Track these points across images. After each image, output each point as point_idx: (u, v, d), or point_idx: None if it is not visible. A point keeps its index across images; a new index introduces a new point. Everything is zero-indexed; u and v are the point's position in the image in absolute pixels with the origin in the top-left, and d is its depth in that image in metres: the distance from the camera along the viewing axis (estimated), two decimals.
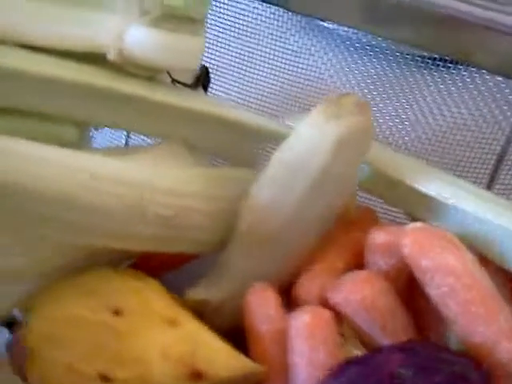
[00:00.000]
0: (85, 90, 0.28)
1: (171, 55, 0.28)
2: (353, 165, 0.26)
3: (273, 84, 0.39)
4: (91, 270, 0.27)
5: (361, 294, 0.24)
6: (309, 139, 0.25)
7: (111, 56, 0.27)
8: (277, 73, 0.38)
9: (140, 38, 0.28)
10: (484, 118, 0.31)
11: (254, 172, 0.29)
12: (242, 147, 0.31)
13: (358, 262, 0.28)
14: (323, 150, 0.25)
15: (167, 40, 0.28)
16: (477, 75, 0.30)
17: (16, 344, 0.26)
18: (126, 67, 0.28)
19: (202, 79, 0.33)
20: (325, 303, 0.26)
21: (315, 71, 0.40)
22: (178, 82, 0.32)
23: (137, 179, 0.25)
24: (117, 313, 0.25)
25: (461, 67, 0.32)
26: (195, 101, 0.30)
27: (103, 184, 0.24)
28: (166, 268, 0.31)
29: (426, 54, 0.35)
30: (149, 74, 0.29)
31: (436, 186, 0.26)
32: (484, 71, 0.29)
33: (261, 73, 0.38)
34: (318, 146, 0.25)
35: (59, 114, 0.28)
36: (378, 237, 0.26)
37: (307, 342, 0.24)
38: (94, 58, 0.29)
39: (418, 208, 0.27)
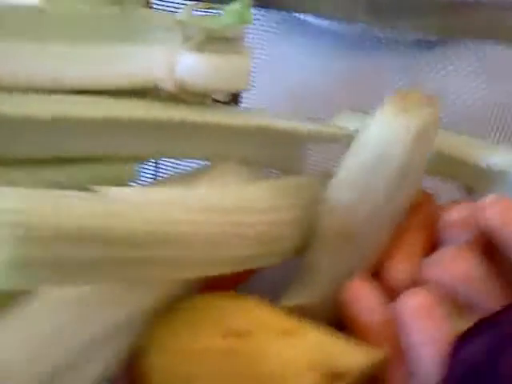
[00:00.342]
0: (140, 125, 0.28)
1: (224, 77, 0.29)
2: (424, 155, 0.27)
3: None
4: (189, 299, 0.27)
5: (460, 268, 0.26)
6: (384, 137, 0.26)
7: (168, 87, 0.28)
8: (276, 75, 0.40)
9: (191, 65, 0.28)
10: None
11: (314, 177, 0.31)
12: (293, 155, 0.33)
13: (431, 243, 0.30)
14: (400, 146, 0.26)
15: (218, 63, 0.28)
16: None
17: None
18: (181, 96, 0.28)
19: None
20: (416, 285, 0.28)
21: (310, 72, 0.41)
22: (218, 101, 0.33)
23: (226, 204, 0.25)
24: (236, 336, 0.25)
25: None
26: (246, 116, 0.30)
27: (201, 215, 0.24)
28: (234, 284, 0.32)
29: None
30: (201, 99, 0.29)
31: (496, 157, 0.29)
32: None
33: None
34: (394, 142, 0.26)
35: (117, 154, 0.29)
36: (454, 214, 0.28)
37: (424, 322, 0.25)
38: (135, 93, 0.29)
39: (479, 181, 0.30)
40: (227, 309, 0.26)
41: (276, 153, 0.32)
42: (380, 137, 0.26)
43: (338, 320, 0.29)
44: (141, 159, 0.29)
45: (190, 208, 0.24)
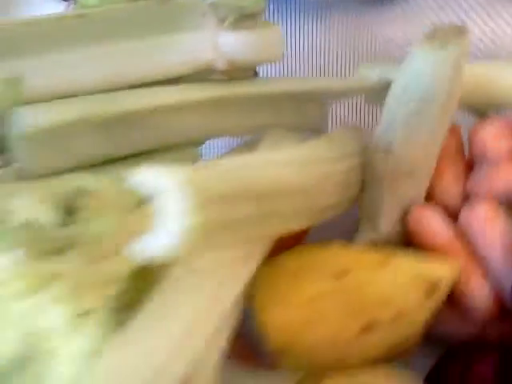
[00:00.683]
0: (203, 106, 0.29)
1: (263, 49, 0.31)
2: (460, 86, 0.30)
3: None
4: (278, 256, 0.29)
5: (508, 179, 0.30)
6: (426, 74, 0.29)
7: (221, 66, 0.29)
8: None
9: (233, 44, 0.30)
10: None
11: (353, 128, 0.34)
12: (322, 113, 0.35)
13: (467, 164, 0.34)
14: (444, 81, 0.29)
15: (255, 37, 0.30)
16: None
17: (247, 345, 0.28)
18: (232, 73, 0.30)
19: None
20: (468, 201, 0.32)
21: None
22: None
23: (315, 157, 0.27)
24: (337, 276, 0.28)
25: None
26: (283, 84, 0.33)
27: (305, 169, 0.26)
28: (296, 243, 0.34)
29: None
30: (248, 73, 0.31)
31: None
32: None
33: None
34: (437, 78, 0.29)
35: (183, 138, 0.30)
36: (490, 130, 0.31)
37: (493, 228, 0.29)
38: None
39: (496, 103, 0.33)
40: (319, 255, 0.29)
41: (308, 114, 0.34)
42: (423, 75, 0.29)
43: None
44: (201, 142, 0.31)
45: (295, 163, 0.26)
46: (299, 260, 0.29)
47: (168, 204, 0.19)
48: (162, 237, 0.19)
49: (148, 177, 0.20)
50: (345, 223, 0.34)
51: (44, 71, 0.27)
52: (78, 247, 0.20)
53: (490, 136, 0.31)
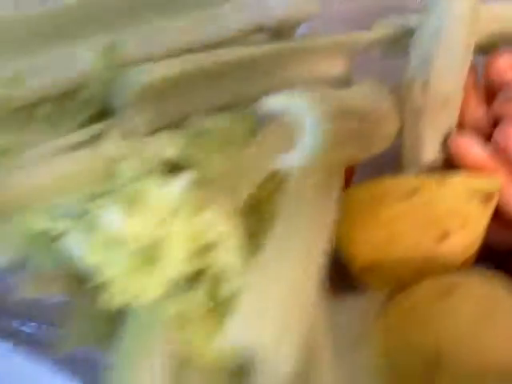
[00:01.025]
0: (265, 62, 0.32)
1: (304, 7, 0.33)
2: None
3: None
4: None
5: None
6: (452, 13, 0.33)
7: (271, 25, 0.32)
8: None
9: (276, 4, 0.33)
10: None
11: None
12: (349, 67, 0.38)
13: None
14: (466, 18, 0.33)
15: None
16: None
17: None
18: (279, 32, 0.33)
19: None
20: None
21: None
22: None
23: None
24: (409, 195, 0.31)
25: None
26: (307, 40, 0.35)
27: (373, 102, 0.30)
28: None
29: None
30: (292, 32, 0.34)
31: None
32: None
33: None
34: (461, 16, 0.33)
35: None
36: (507, 59, 0.35)
37: None
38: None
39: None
40: (385, 184, 0.32)
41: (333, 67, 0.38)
42: (448, 14, 0.33)
43: None
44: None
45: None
46: (370, 190, 0.32)
47: (302, 121, 0.22)
48: (298, 151, 0.22)
49: (282, 100, 0.22)
50: (384, 161, 0.38)
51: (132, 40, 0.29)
52: (215, 179, 0.22)
53: (508, 64, 0.35)
